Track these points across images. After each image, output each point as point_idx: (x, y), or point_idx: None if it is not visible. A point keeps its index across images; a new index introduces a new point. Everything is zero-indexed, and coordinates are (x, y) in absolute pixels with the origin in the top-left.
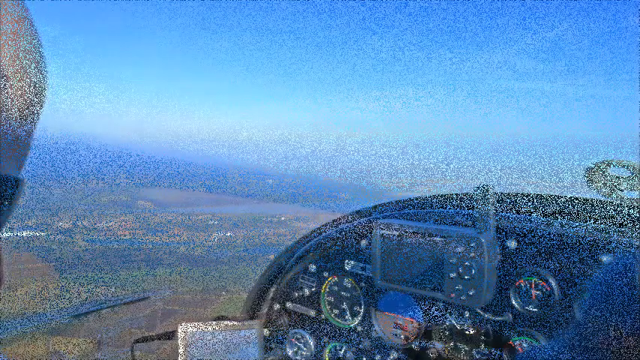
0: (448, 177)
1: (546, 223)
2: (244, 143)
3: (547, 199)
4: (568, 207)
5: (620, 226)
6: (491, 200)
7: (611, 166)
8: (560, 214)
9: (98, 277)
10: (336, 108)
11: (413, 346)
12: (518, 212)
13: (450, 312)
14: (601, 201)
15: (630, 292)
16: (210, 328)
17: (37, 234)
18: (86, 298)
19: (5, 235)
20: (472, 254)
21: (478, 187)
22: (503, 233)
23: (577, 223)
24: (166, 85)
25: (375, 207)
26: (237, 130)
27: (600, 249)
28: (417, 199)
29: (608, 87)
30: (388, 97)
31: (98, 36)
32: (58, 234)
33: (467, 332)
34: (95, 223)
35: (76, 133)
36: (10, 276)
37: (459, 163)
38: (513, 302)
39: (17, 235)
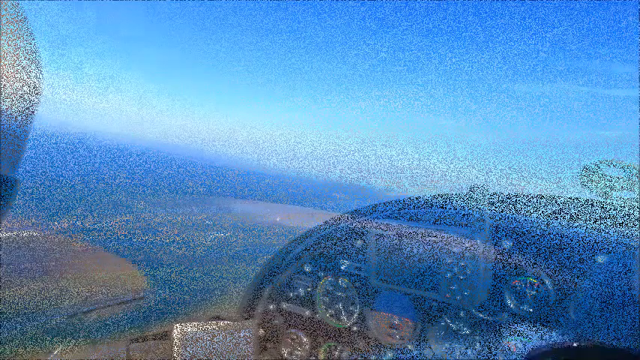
0: (448, 177)
1: (543, 223)
2: (244, 143)
3: (546, 199)
4: (566, 207)
5: (618, 227)
6: (487, 201)
7: (610, 166)
8: (558, 214)
9: (97, 276)
10: (336, 108)
11: (409, 346)
12: (516, 212)
13: (446, 312)
14: (599, 201)
15: (629, 293)
16: (205, 328)
17: (36, 234)
18: (85, 297)
19: (5, 235)
20: (468, 254)
21: (476, 187)
22: (499, 233)
23: (573, 224)
24: (166, 85)
25: (374, 207)
26: (237, 130)
27: (597, 249)
28: (415, 199)
29: (608, 87)
30: (388, 97)
31: (98, 36)
32: (57, 234)
33: None
34: (95, 223)
35: (76, 133)
36: (10, 276)
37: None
38: (509, 302)
39: (17, 235)
